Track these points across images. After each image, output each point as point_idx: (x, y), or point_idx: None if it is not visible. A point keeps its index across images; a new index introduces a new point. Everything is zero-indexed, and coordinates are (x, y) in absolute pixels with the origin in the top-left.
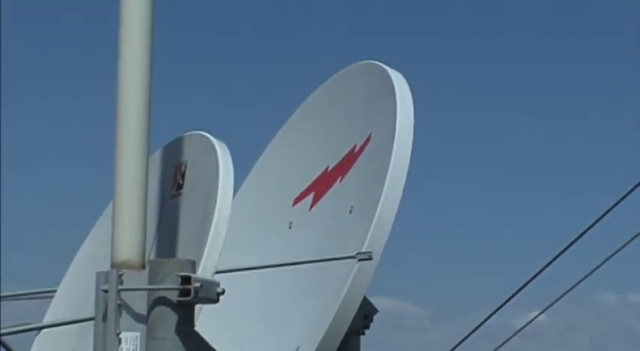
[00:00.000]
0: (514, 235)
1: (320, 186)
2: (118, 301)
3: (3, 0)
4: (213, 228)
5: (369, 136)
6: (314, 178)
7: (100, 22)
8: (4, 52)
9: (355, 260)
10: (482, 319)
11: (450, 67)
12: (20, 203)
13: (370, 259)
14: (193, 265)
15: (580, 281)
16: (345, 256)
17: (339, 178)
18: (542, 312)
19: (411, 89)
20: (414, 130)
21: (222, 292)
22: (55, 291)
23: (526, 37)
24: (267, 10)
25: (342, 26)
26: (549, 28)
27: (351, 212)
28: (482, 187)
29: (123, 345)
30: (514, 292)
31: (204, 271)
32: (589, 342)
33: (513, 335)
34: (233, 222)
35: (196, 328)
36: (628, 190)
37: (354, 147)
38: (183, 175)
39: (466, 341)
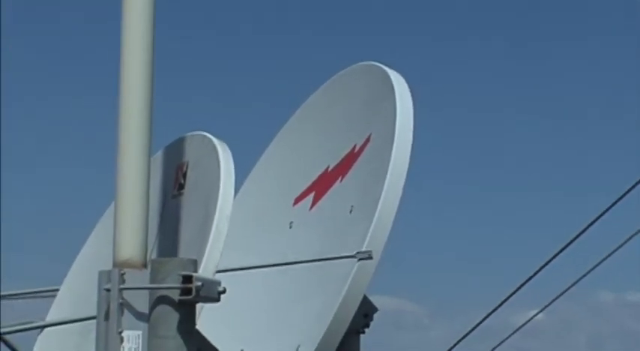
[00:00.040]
0: (513, 235)
1: (320, 186)
2: (120, 300)
3: (3, 0)
4: (214, 227)
5: (369, 137)
6: (314, 178)
7: (100, 22)
8: (4, 52)
9: (355, 259)
10: (481, 318)
11: (449, 68)
12: (20, 203)
13: (370, 258)
14: (195, 265)
15: (578, 280)
16: (345, 255)
17: (340, 178)
18: (540, 310)
19: (411, 89)
20: (414, 130)
21: (224, 291)
22: (57, 290)
23: (526, 37)
24: (267, 10)
25: (342, 26)
26: (549, 28)
27: (351, 212)
28: (482, 186)
29: (125, 343)
30: (513, 290)
31: (205, 270)
32: (587, 340)
33: (512, 333)
34: (234, 221)
35: (198, 327)
36: (625, 190)
37: (354, 147)
38: (184, 175)
39: (465, 339)
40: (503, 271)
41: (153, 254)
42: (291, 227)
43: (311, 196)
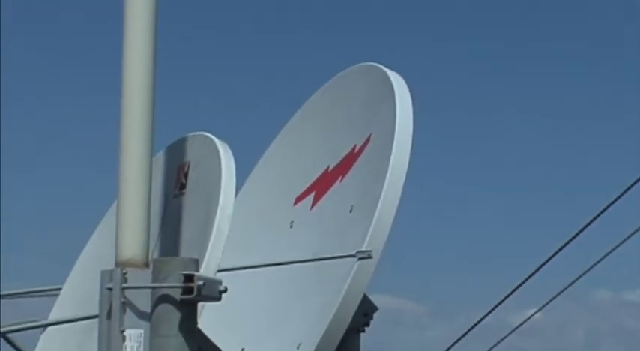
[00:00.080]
0: (512, 235)
1: (321, 186)
2: (123, 299)
3: (3, 0)
4: (215, 227)
5: (369, 137)
6: (315, 178)
7: (100, 22)
8: (4, 52)
9: (355, 258)
10: (480, 317)
11: (449, 67)
12: (20, 203)
13: (370, 257)
14: (196, 264)
15: (576, 279)
16: (345, 254)
17: (340, 178)
18: (538, 309)
19: (411, 90)
20: (414, 131)
21: (225, 290)
22: (60, 289)
23: (526, 37)
24: (268, 10)
25: (342, 26)
26: (549, 28)
27: (351, 211)
28: (482, 186)
29: (127, 342)
30: (511, 290)
31: (206, 269)
32: (584, 339)
33: (510, 332)
34: (235, 221)
35: (199, 326)
36: (623, 190)
37: (354, 147)
38: (186, 175)
39: (464, 338)
40: (502, 271)
41: (155, 253)
42: (291, 227)
43: (311, 196)
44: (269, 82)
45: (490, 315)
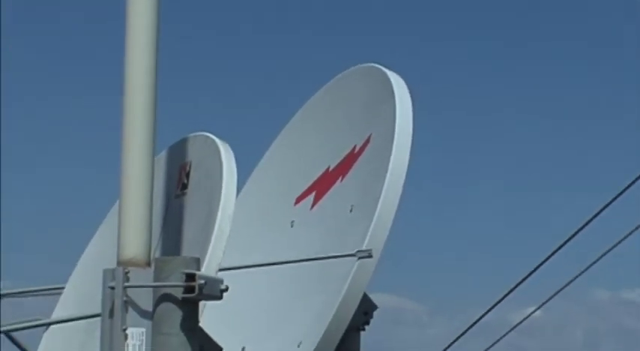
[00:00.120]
0: (512, 234)
1: (321, 185)
2: (125, 298)
3: (3, 0)
4: (217, 227)
5: (369, 137)
6: (315, 178)
7: (100, 22)
8: (4, 52)
9: (355, 258)
10: (479, 315)
11: (449, 67)
12: (20, 203)
13: (370, 256)
14: (198, 263)
15: (575, 278)
16: (345, 253)
17: (340, 178)
18: (538, 308)
19: (410, 90)
20: (414, 131)
21: (226, 289)
22: (62, 288)
23: (526, 37)
24: (268, 10)
25: (342, 27)
26: (549, 28)
27: (351, 211)
28: (482, 186)
29: (129, 340)
30: (511, 288)
31: (208, 268)
32: (583, 337)
33: (510, 331)
34: (236, 221)
35: (200, 324)
36: (621, 190)
37: (354, 147)
38: (187, 175)
39: (464, 336)
40: (502, 270)
41: (156, 253)
42: (292, 226)
43: (312, 195)
44: (270, 82)
45: (490, 313)
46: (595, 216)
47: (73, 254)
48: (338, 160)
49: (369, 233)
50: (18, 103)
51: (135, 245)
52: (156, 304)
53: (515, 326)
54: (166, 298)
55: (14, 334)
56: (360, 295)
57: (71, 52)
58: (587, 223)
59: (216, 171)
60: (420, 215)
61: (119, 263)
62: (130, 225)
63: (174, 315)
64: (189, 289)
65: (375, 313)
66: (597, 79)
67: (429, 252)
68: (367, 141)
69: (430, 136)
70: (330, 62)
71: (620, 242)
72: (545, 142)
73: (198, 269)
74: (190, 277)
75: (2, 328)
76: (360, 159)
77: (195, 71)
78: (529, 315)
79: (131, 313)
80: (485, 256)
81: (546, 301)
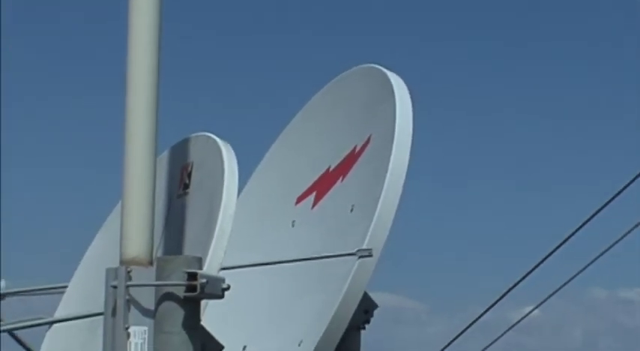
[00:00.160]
0: (510, 233)
1: (322, 185)
2: (127, 297)
3: (3, 0)
4: (218, 226)
5: (369, 137)
6: (316, 178)
7: (100, 22)
8: (4, 52)
9: (356, 257)
10: (478, 314)
11: (449, 67)
12: (20, 203)
13: (370, 256)
14: (199, 262)
15: (573, 277)
16: (346, 253)
17: (340, 178)
18: (536, 307)
19: (410, 90)
20: (414, 131)
21: (227, 288)
22: (65, 287)
23: (526, 37)
24: (268, 10)
25: (342, 27)
26: (549, 28)
27: (351, 211)
28: (482, 186)
29: (131, 339)
30: (509, 287)
31: (209, 267)
32: (581, 336)
33: (508, 329)
34: (238, 220)
35: (202, 323)
36: (619, 190)
37: (355, 148)
38: (189, 175)
39: (463, 335)
40: (501, 269)
41: (159, 252)
42: (293, 226)
43: (313, 195)
44: (270, 82)
45: (489, 312)
46: (593, 215)
47: (74, 254)
48: (338, 160)
49: (369, 233)
50: (18, 103)
51: (137, 244)
52: (158, 303)
53: (513, 325)
54: (168, 296)
55: (17, 333)
56: (361, 294)
57: (71, 52)
58: (585, 223)
59: (218, 171)
60: (421, 215)
61: (122, 262)
62: (133, 224)
63: (176, 314)
64: (190, 288)
65: (376, 312)
66: (597, 79)
67: (428, 251)
68: (367, 141)
69: (430, 136)
70: (330, 62)
71: (617, 241)
72: (545, 142)
73: (200, 268)
74: (192, 276)
75: (6, 327)
76: (361, 159)
77: (196, 71)
78: (528, 314)
79: (133, 312)
80: (484, 256)
81: (545, 300)
